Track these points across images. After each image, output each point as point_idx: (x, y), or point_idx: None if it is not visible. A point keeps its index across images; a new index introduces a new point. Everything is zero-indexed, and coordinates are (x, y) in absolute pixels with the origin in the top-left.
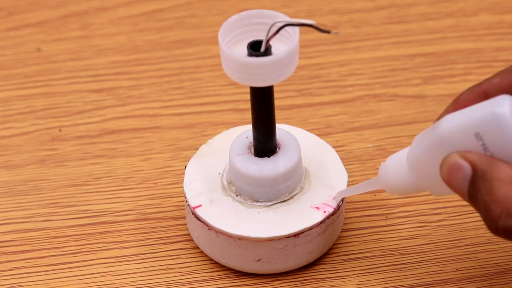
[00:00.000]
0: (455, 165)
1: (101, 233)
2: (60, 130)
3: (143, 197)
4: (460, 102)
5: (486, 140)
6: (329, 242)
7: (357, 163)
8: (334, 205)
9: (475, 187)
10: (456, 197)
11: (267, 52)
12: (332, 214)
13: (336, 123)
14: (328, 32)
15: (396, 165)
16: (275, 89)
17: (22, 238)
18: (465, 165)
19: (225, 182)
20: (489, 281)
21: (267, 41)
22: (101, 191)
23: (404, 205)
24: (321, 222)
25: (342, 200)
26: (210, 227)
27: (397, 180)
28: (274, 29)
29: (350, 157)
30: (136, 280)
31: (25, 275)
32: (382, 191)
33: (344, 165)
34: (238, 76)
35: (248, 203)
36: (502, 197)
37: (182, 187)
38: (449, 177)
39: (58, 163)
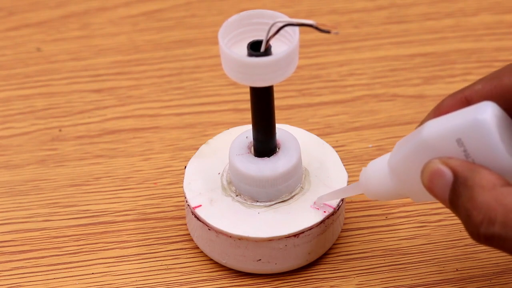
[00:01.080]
0: (437, 171)
1: (101, 233)
2: (60, 130)
3: (143, 197)
4: (442, 108)
5: (467, 147)
6: (329, 242)
7: (357, 163)
8: (334, 205)
9: (456, 194)
10: None
11: (267, 52)
12: (332, 214)
13: (336, 123)
14: (328, 32)
15: (378, 170)
16: (275, 89)
17: (22, 238)
18: (447, 171)
19: (225, 182)
20: (489, 281)
21: (267, 41)
22: (101, 191)
23: (404, 205)
24: (321, 222)
25: (342, 200)
26: (210, 227)
27: (378, 186)
28: (274, 29)
29: (350, 157)
30: (136, 280)
31: (25, 275)
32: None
33: (344, 165)
34: (238, 76)
35: (248, 203)
36: (483, 204)
37: (182, 187)
38: (431, 183)
39: (58, 163)
